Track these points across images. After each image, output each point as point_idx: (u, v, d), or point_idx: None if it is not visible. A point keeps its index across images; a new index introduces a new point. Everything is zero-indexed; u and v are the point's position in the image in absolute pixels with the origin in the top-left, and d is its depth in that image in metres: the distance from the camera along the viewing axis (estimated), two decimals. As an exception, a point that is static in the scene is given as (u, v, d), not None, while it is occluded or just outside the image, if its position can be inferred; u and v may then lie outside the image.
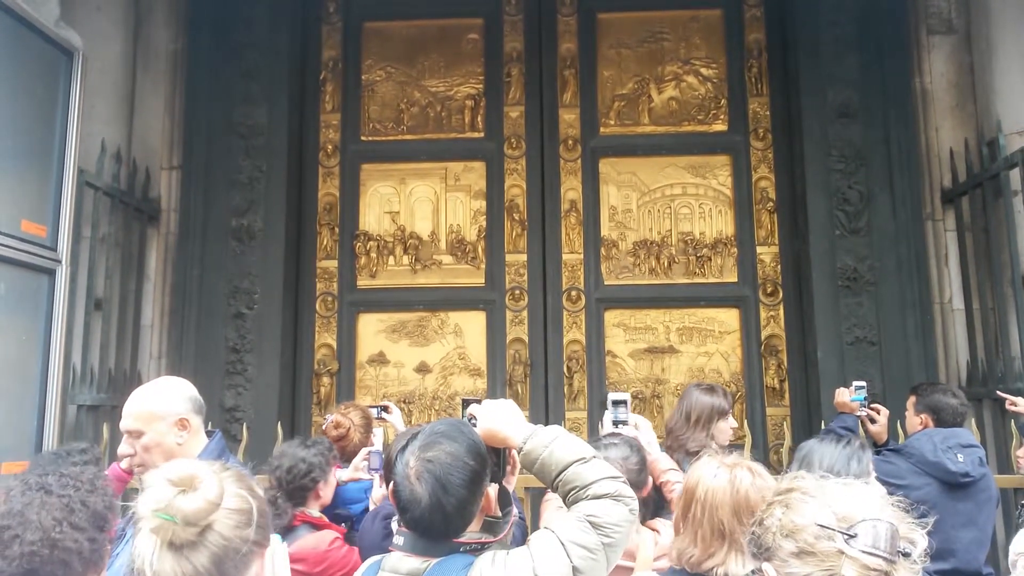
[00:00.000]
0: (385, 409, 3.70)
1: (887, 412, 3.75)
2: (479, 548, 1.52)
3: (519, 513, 1.83)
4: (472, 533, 1.56)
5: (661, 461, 2.69)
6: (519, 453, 1.64)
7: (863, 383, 3.75)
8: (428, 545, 1.52)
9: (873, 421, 3.72)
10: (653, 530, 2.38)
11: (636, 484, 2.34)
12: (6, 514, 1.38)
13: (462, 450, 1.55)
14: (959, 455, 3.01)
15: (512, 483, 1.76)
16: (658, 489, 2.61)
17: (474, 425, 1.67)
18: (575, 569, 1.47)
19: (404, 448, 1.58)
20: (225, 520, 1.26)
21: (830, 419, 4.26)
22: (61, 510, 1.38)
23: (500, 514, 1.67)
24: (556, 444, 1.61)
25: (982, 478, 3.05)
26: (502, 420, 1.65)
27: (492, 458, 1.65)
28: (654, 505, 2.57)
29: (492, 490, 1.61)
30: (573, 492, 1.57)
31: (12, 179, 3.81)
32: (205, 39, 5.23)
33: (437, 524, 1.51)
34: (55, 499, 1.40)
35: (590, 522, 1.51)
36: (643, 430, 2.72)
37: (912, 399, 3.47)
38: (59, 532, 1.36)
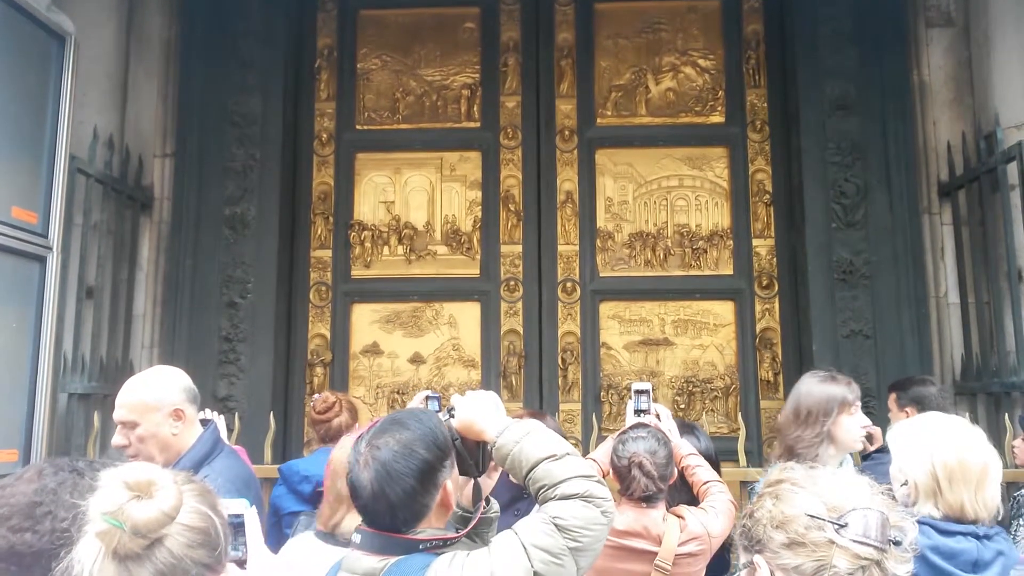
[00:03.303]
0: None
1: (879, 429, 3.67)
2: (440, 545, 1.46)
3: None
4: (434, 530, 1.50)
5: (681, 447, 2.70)
6: (492, 447, 1.57)
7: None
8: (385, 543, 1.46)
9: (871, 442, 3.63)
10: (678, 516, 2.42)
11: (663, 476, 2.42)
12: (40, 490, 1.36)
13: (414, 439, 1.49)
14: (947, 445, 2.99)
15: (494, 478, 1.72)
16: (681, 475, 2.63)
17: (453, 416, 1.61)
18: (536, 573, 1.40)
19: (361, 436, 1.54)
20: (178, 537, 1.18)
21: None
22: (93, 492, 1.35)
23: (470, 509, 1.62)
24: (527, 440, 1.54)
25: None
26: (478, 412, 1.59)
27: (474, 451, 1.59)
28: (679, 492, 2.61)
29: (452, 483, 1.54)
30: (542, 491, 1.50)
31: (2, 165, 3.77)
32: (199, 26, 5.19)
33: (382, 514, 1.46)
34: (87, 482, 1.37)
35: (556, 524, 1.44)
36: (664, 418, 2.74)
37: (893, 396, 3.45)
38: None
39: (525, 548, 1.42)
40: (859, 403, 2.62)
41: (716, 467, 2.83)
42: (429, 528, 1.50)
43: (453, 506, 1.57)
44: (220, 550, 1.23)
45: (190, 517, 1.20)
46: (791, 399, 2.65)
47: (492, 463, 1.63)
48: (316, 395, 3.44)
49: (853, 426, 2.57)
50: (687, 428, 2.92)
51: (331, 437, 3.25)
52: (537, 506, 1.53)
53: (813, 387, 2.61)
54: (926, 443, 1.84)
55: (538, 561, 1.41)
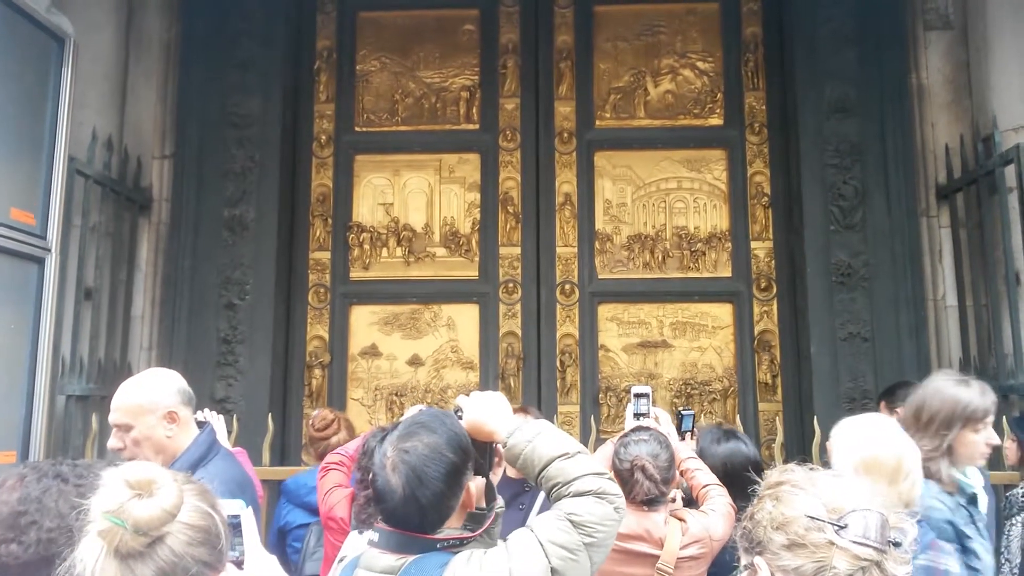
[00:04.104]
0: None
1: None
2: (457, 544, 1.48)
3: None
4: (451, 529, 1.52)
5: (681, 450, 2.71)
6: (503, 447, 1.60)
7: None
8: (404, 541, 1.47)
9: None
10: (680, 519, 2.42)
11: (666, 480, 2.43)
12: (23, 499, 1.36)
13: (441, 442, 1.50)
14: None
15: (498, 476, 1.74)
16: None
17: (460, 417, 1.62)
18: (553, 570, 1.42)
19: (384, 438, 1.55)
20: (179, 535, 1.18)
21: (822, 416, 4.26)
22: (79, 498, 1.34)
23: (484, 508, 1.64)
24: (539, 439, 1.57)
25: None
26: (488, 413, 1.61)
27: (482, 450, 1.61)
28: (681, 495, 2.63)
29: (474, 485, 1.56)
30: (556, 489, 1.53)
31: (1, 166, 3.76)
32: (199, 28, 5.19)
33: (411, 517, 1.47)
34: (71, 487, 1.37)
35: (571, 521, 1.47)
36: (663, 422, 2.74)
37: (883, 404, 3.46)
38: (77, 520, 1.31)
39: (542, 545, 1.44)
40: (991, 417, 2.30)
41: (759, 473, 2.81)
42: (447, 527, 1.52)
43: (474, 506, 1.58)
44: (220, 548, 1.23)
45: (191, 515, 1.20)
46: (918, 395, 2.36)
47: (496, 461, 1.66)
48: (315, 412, 3.46)
49: (978, 443, 2.27)
50: (731, 435, 2.90)
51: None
52: (541, 501, 1.54)
53: (942, 387, 2.33)
54: (851, 440, 2.05)
55: (555, 557, 1.43)
